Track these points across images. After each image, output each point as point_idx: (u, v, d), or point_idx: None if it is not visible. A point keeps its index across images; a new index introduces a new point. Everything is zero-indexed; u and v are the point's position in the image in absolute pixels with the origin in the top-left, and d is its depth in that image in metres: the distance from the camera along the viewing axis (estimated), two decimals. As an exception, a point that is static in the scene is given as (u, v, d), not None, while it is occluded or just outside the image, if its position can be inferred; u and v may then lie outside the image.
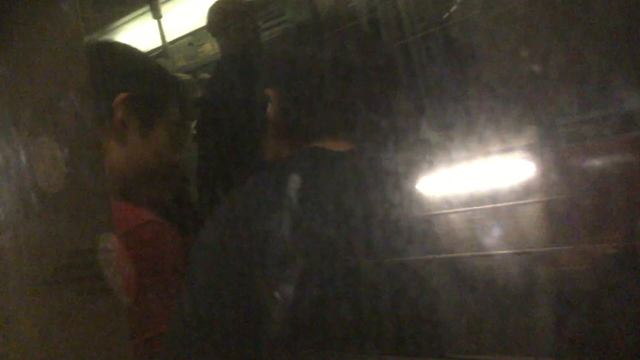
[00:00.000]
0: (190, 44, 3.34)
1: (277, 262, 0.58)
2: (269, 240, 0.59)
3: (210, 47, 2.38)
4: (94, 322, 0.73)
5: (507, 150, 0.74)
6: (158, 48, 3.36)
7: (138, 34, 3.51)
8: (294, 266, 0.57)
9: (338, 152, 0.64)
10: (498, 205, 0.65)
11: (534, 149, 0.74)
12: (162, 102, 0.90)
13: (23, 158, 0.77)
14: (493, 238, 0.57)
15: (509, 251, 0.56)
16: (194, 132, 2.13)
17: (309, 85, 0.66)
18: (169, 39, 3.29)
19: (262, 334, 0.57)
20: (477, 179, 0.66)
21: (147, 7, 3.26)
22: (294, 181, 0.61)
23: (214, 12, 2.06)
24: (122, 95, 0.88)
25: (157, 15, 3.22)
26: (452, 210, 0.60)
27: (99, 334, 0.72)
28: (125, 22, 3.52)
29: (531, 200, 0.66)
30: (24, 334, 0.80)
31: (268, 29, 2.51)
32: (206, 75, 2.78)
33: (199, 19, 2.17)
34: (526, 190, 0.71)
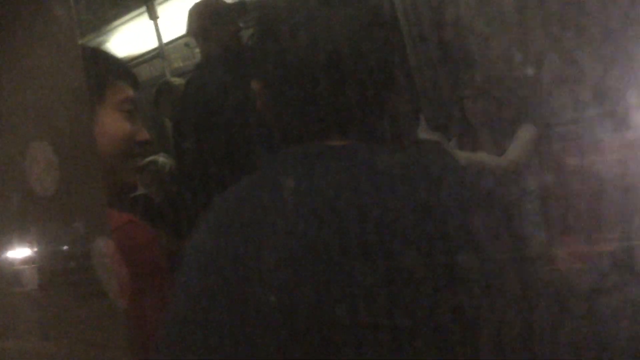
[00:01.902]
0: (186, 44, 3.33)
1: (274, 263, 0.57)
2: (264, 242, 0.59)
3: (206, 48, 2.38)
4: (90, 324, 0.73)
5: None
6: (154, 49, 3.35)
7: (134, 35, 3.51)
8: (291, 267, 0.57)
9: (333, 148, 0.63)
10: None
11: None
12: (101, 86, 0.87)
13: (17, 162, 0.76)
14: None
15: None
16: (175, 133, 2.12)
17: (300, 78, 0.64)
18: (165, 39, 3.28)
19: (257, 338, 0.57)
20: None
21: (143, 8, 3.26)
22: (290, 177, 0.61)
23: (193, 13, 2.05)
24: None
25: (153, 16, 3.21)
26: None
27: (95, 337, 0.72)
28: (121, 23, 3.52)
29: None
30: (21, 337, 0.80)
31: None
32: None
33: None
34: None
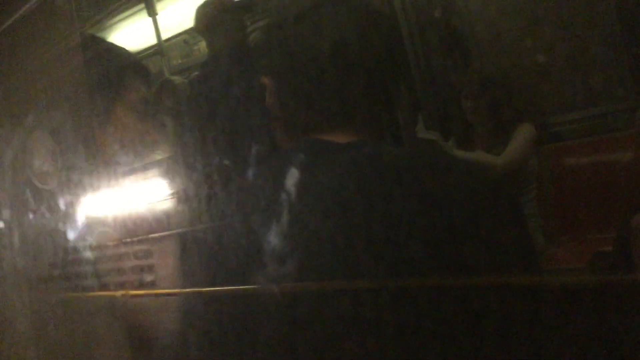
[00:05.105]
0: (185, 41, 3.32)
1: (275, 256, 0.57)
2: (266, 235, 0.59)
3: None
4: (89, 318, 0.72)
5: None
6: (153, 46, 3.34)
7: (132, 31, 3.49)
8: (295, 258, 0.57)
9: (339, 144, 0.63)
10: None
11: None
12: (121, 85, 0.87)
13: (18, 153, 0.76)
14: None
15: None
16: (180, 130, 2.12)
17: (307, 74, 0.64)
18: (164, 36, 3.27)
19: (260, 328, 0.57)
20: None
21: (142, 5, 3.24)
22: (293, 173, 0.61)
23: (200, 11, 2.06)
24: None
25: (152, 13, 3.20)
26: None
27: (95, 330, 0.72)
28: (120, 20, 3.51)
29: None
30: (19, 329, 0.79)
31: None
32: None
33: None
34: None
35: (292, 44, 0.65)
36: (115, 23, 3.57)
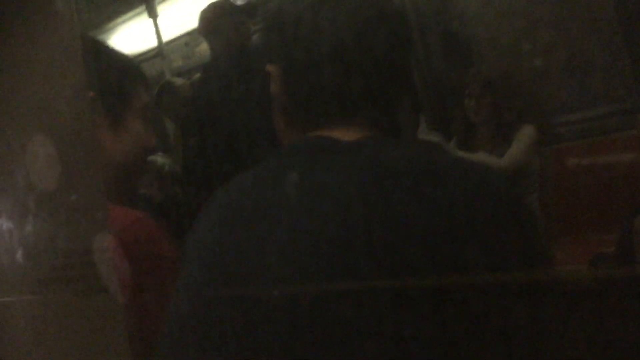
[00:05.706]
0: (186, 43, 3.33)
1: (277, 258, 0.57)
2: (266, 238, 0.58)
3: (207, 47, 2.40)
4: (90, 322, 0.72)
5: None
6: (154, 48, 3.35)
7: (134, 33, 3.50)
8: (294, 262, 0.56)
9: (346, 142, 0.61)
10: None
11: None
12: (129, 93, 0.88)
13: (18, 157, 0.76)
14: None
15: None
16: (182, 132, 2.13)
17: (315, 62, 0.63)
18: (165, 38, 3.28)
19: (259, 333, 0.56)
20: None
21: (142, 7, 3.25)
22: (295, 171, 0.60)
23: (205, 14, 2.08)
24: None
25: (152, 15, 3.21)
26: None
27: (95, 335, 0.71)
28: (121, 22, 3.51)
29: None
30: (19, 334, 0.79)
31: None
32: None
33: (195, 19, 2.17)
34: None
35: (301, 31, 0.63)
36: (116, 25, 3.58)
